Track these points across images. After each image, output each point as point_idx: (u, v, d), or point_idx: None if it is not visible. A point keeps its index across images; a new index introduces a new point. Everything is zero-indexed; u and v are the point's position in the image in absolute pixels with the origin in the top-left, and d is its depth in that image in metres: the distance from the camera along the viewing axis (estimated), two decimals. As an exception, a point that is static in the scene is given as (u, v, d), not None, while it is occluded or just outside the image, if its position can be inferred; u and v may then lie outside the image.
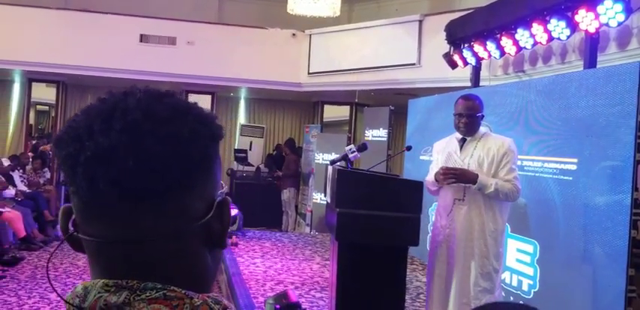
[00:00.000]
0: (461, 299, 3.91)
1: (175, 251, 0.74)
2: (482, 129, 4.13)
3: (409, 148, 4.84)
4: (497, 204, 3.92)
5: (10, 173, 9.30)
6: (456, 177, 3.83)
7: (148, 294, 0.70)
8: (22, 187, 9.38)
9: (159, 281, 0.72)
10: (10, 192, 8.76)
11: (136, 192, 0.71)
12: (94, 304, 0.71)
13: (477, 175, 3.81)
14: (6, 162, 9.49)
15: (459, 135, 4.06)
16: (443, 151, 4.13)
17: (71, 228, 0.76)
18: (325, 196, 4.33)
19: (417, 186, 3.80)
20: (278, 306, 3.92)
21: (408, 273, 6.74)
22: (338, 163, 4.15)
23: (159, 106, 0.74)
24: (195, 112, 0.77)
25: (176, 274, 0.74)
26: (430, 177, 4.09)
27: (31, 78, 11.73)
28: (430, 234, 6.25)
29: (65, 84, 12.06)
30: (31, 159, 10.38)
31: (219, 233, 0.78)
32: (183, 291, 0.72)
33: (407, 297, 5.66)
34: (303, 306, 4.33)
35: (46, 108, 12.91)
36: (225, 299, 0.76)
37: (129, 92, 0.76)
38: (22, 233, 7.83)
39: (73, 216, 0.77)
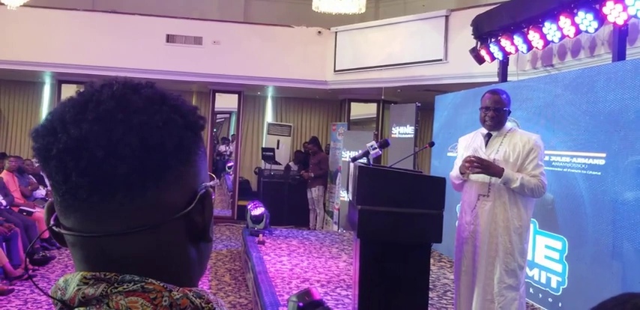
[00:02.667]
0: (485, 296, 3.86)
1: (154, 244, 0.73)
2: (509, 124, 4.08)
3: (432, 144, 4.80)
4: (521, 200, 3.87)
5: (41, 173, 9.44)
6: (482, 167, 3.79)
7: (125, 287, 0.70)
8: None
9: (138, 274, 0.71)
10: (41, 192, 8.90)
11: (108, 183, 0.70)
12: (74, 296, 0.70)
13: (502, 169, 3.77)
14: (37, 163, 9.63)
15: (484, 131, 4.02)
16: (468, 147, 4.09)
17: (52, 222, 0.76)
18: (348, 193, 4.31)
19: (439, 182, 3.76)
20: (301, 304, 3.90)
21: (435, 270, 6.70)
22: (359, 160, 4.12)
23: (134, 96, 0.73)
24: (172, 103, 0.76)
25: (156, 267, 0.73)
26: (455, 172, 4.06)
27: (60, 80, 11.87)
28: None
29: (84, 83, 12.19)
30: (61, 160, 10.51)
31: (202, 226, 0.76)
32: (161, 284, 0.71)
33: (434, 294, 5.61)
34: (327, 304, 4.30)
35: (76, 109, 13.10)
36: (211, 294, 0.74)
37: (106, 84, 0.75)
38: (46, 235, 7.92)
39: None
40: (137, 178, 0.70)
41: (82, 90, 0.76)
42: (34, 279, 6.51)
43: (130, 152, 0.69)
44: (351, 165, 4.17)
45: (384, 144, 4.12)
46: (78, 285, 0.71)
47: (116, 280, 0.70)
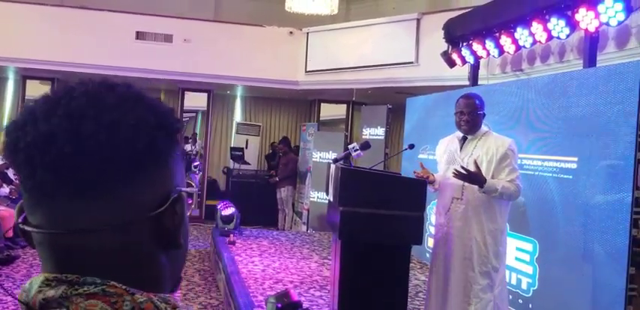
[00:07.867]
0: (462, 298, 3.90)
1: (120, 245, 0.72)
2: (484, 128, 4.13)
3: (412, 147, 4.82)
4: (496, 203, 3.90)
5: (5, 171, 9.24)
6: (468, 179, 3.79)
7: (85, 289, 0.68)
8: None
9: (101, 276, 0.69)
10: (5, 190, 8.71)
11: (75, 179, 0.69)
12: (35, 299, 0.69)
13: (485, 180, 3.76)
14: (0, 160, 9.42)
15: (460, 134, 4.07)
16: (446, 150, 4.14)
17: (20, 220, 0.74)
18: (328, 195, 4.32)
19: (421, 185, 3.80)
20: (280, 305, 3.90)
21: (406, 272, 6.76)
22: (340, 161, 4.14)
23: (108, 94, 0.73)
24: (148, 103, 0.75)
25: (121, 270, 0.72)
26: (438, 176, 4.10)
27: (25, 76, 11.65)
28: (428, 233, 6.26)
29: (60, 81, 12.00)
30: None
31: (172, 231, 0.75)
32: (124, 287, 0.69)
33: (406, 296, 5.66)
34: (303, 305, 4.31)
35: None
36: (180, 301, 0.73)
37: (82, 82, 0.75)
38: (9, 234, 7.75)
39: None
40: (105, 175, 0.70)
41: (57, 87, 0.76)
42: (-1, 279, 6.38)
43: (99, 149, 0.69)
44: (332, 166, 4.19)
45: (365, 146, 4.15)
46: (40, 287, 0.69)
47: (77, 282, 0.69)
